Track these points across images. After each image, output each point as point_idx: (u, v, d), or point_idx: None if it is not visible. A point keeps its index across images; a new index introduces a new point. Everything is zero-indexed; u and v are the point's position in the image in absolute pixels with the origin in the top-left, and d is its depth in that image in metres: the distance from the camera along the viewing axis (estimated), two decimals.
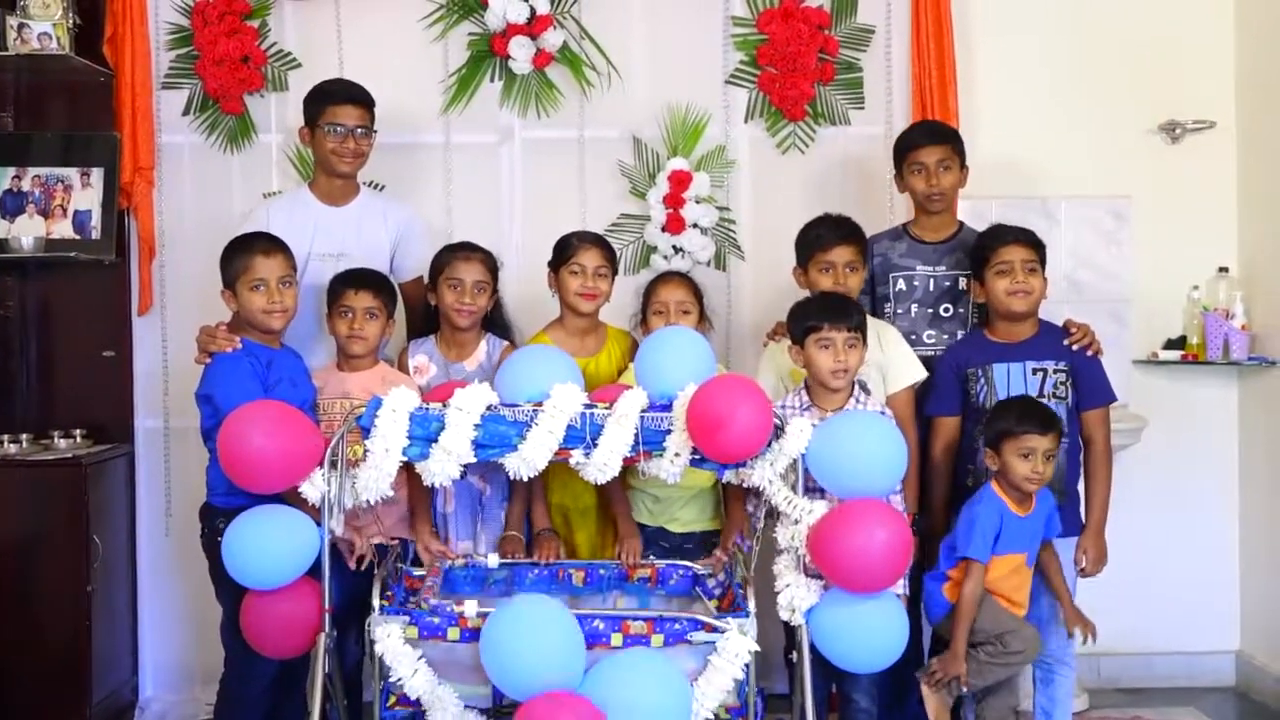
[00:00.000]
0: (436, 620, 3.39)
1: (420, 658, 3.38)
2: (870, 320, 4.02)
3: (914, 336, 4.19)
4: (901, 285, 4.29)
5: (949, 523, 3.96)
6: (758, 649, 3.38)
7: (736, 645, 3.35)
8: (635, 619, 3.39)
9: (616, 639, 3.33)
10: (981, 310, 4.20)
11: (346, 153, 4.24)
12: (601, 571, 3.83)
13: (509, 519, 4.01)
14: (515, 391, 3.51)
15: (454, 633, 3.37)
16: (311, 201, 4.32)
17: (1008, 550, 3.73)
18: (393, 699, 3.43)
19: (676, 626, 3.37)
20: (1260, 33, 4.94)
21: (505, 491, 4.06)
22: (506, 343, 4.15)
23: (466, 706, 3.41)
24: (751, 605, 3.44)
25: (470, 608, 3.38)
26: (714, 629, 3.38)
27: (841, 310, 3.76)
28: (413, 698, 3.39)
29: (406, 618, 3.41)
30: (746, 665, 3.38)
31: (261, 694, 3.80)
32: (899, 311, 4.25)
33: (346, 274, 4.01)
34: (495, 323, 4.20)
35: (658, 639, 3.34)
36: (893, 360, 4.01)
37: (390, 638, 3.37)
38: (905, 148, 4.31)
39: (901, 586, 3.69)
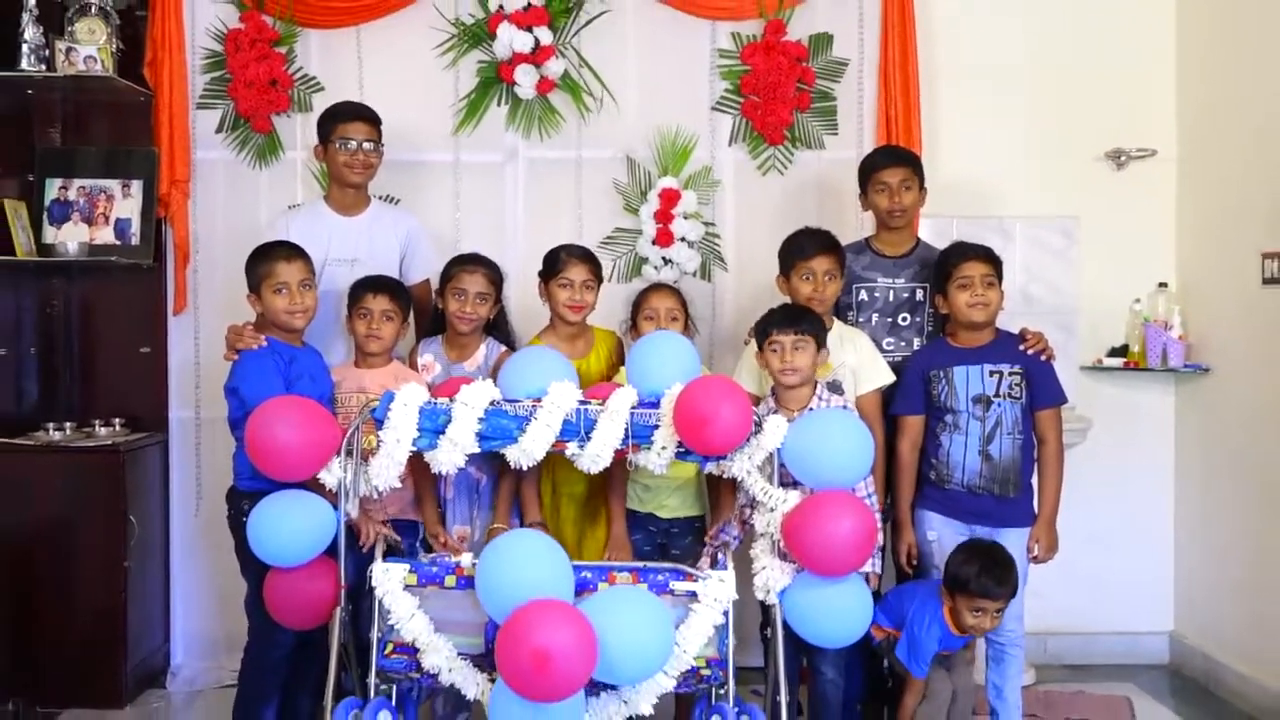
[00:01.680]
0: (435, 569, 3.41)
1: (418, 605, 3.37)
2: (845, 328, 4.06)
3: (874, 343, 4.14)
4: (864, 296, 4.26)
5: (913, 516, 4.01)
6: (736, 597, 3.37)
7: (717, 590, 3.35)
8: (621, 570, 3.42)
9: (603, 588, 3.31)
10: (939, 320, 4.16)
11: (357, 165, 4.25)
12: (585, 575, 3.65)
13: (496, 512, 3.95)
14: (517, 388, 3.51)
15: (450, 580, 3.39)
16: (327, 212, 4.32)
17: (940, 650, 3.78)
18: (390, 647, 3.42)
19: (660, 578, 3.39)
20: (1198, 69, 4.94)
21: None
22: (505, 347, 4.12)
23: (459, 654, 3.37)
24: (730, 563, 3.43)
25: (467, 559, 3.41)
26: (695, 579, 3.38)
27: (788, 317, 3.76)
28: (409, 640, 3.37)
29: (407, 565, 3.42)
30: (726, 612, 3.37)
31: (281, 661, 3.81)
32: (860, 320, 4.22)
33: (366, 279, 4.01)
34: (498, 328, 4.17)
35: (642, 586, 3.34)
36: (864, 365, 3.98)
37: (391, 581, 3.37)
38: (870, 169, 4.29)
39: (870, 565, 3.70)
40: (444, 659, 3.35)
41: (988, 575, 3.64)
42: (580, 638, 3.00)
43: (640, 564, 3.56)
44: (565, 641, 2.96)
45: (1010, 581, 3.67)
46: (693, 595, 3.37)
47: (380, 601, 3.38)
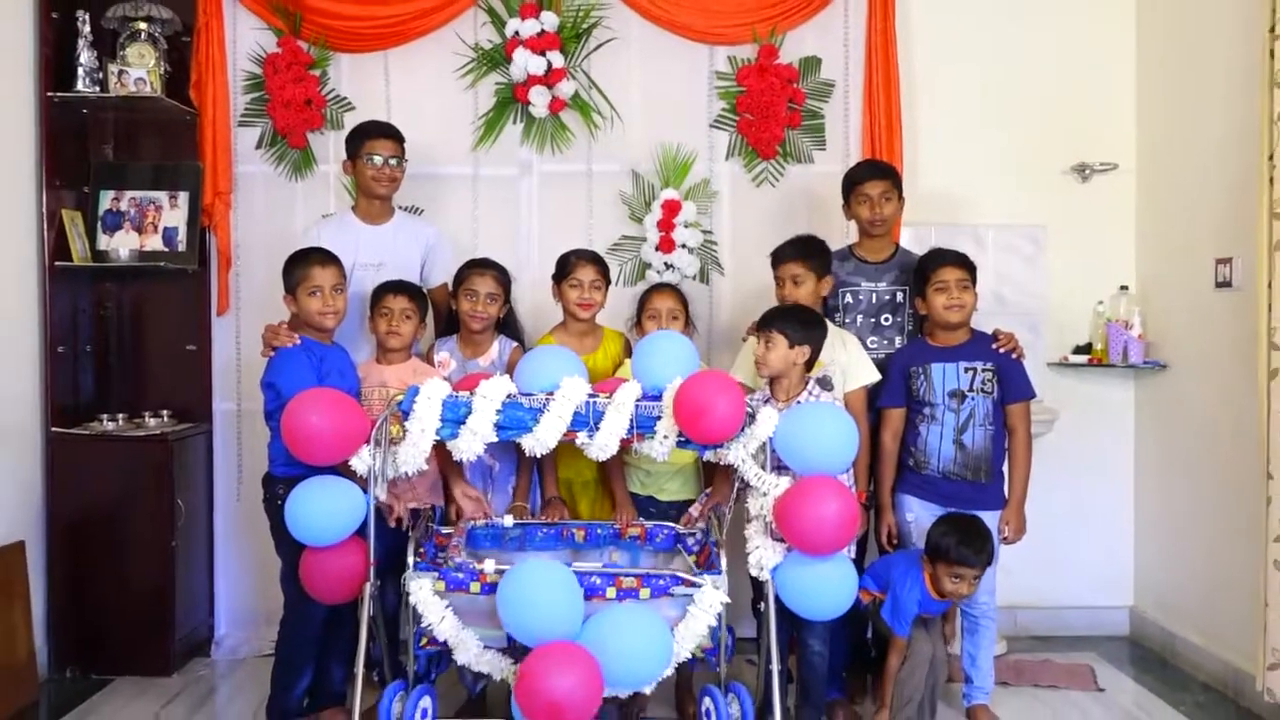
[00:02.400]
0: (461, 576, 3.41)
1: (447, 606, 3.41)
2: (838, 330, 4.06)
3: (860, 341, 4.16)
4: (848, 299, 4.29)
5: (893, 499, 4.08)
6: (728, 601, 3.41)
7: (710, 597, 3.40)
8: (627, 575, 3.42)
9: (611, 592, 3.36)
10: (918, 320, 4.21)
11: (383, 179, 4.29)
12: (599, 530, 3.85)
13: (516, 491, 4.04)
14: (532, 382, 3.54)
15: (475, 586, 3.40)
16: (354, 222, 4.36)
17: (921, 612, 3.84)
18: (425, 640, 3.47)
19: (661, 582, 3.41)
20: (1156, 90, 4.96)
21: (513, 468, 4.09)
22: (516, 344, 4.17)
23: (485, 646, 3.45)
24: (723, 564, 3.47)
25: (489, 565, 3.41)
26: (692, 584, 3.42)
27: (767, 315, 3.81)
28: (440, 639, 3.43)
29: (436, 574, 3.43)
30: (719, 614, 3.42)
31: (314, 632, 3.83)
32: (846, 321, 4.25)
33: (387, 282, 4.04)
34: (508, 326, 4.22)
35: (645, 591, 3.38)
36: (852, 363, 4.01)
37: (422, 590, 3.41)
38: (853, 181, 4.31)
39: (850, 551, 3.73)
40: (473, 654, 3.43)
41: (966, 545, 3.70)
42: (586, 682, 3.09)
43: (644, 571, 3.53)
44: (572, 688, 3.05)
45: (986, 551, 3.73)
46: (689, 598, 3.41)
47: (414, 608, 3.41)
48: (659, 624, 3.31)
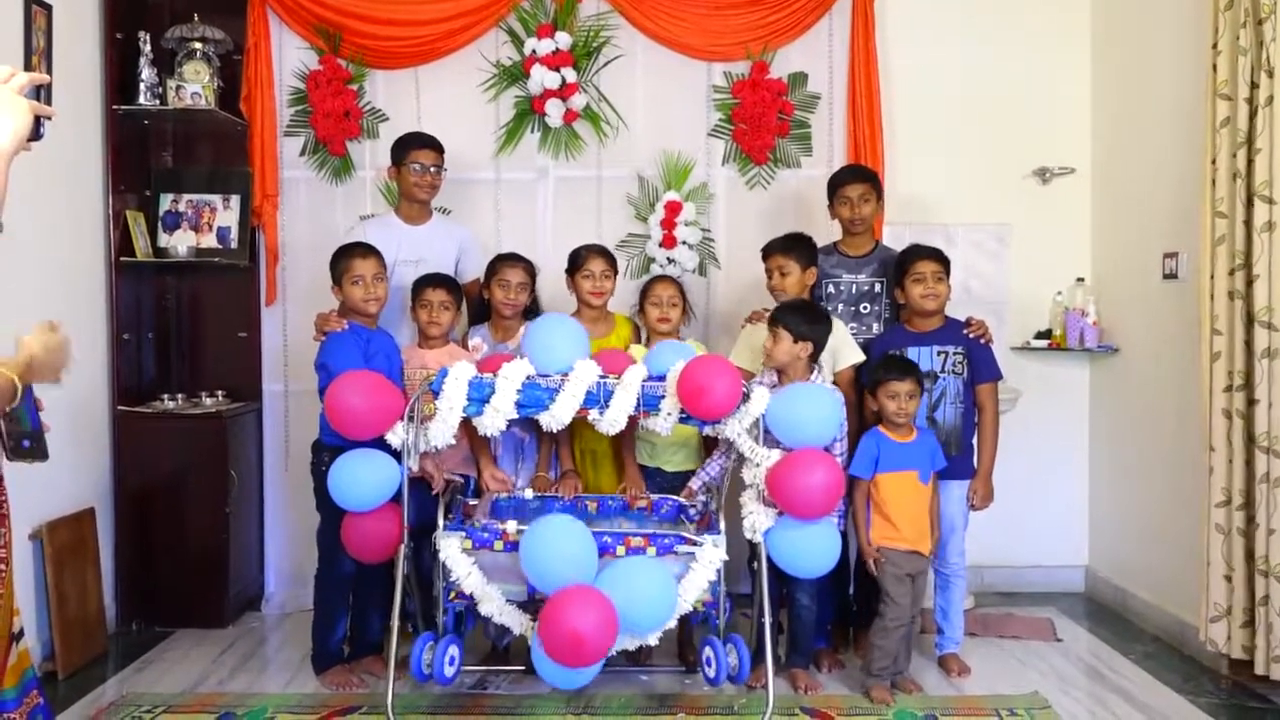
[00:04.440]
0: (485, 535, 3.46)
1: (473, 563, 3.44)
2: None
3: None
4: (831, 289, 4.26)
5: None
6: (726, 559, 3.44)
7: (711, 554, 3.43)
8: (635, 535, 3.46)
9: (621, 550, 3.39)
10: (895, 308, 4.19)
11: (425, 184, 4.26)
12: (610, 503, 3.84)
13: (539, 462, 4.02)
14: (541, 354, 3.53)
15: (499, 545, 3.45)
16: (397, 222, 4.33)
17: (892, 469, 3.75)
18: (453, 594, 3.51)
19: (666, 541, 3.45)
20: (1108, 101, 4.93)
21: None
22: None
23: (507, 600, 3.47)
24: (722, 526, 3.49)
25: (511, 526, 3.46)
26: (694, 543, 3.43)
27: (773, 314, 3.80)
28: (467, 593, 3.45)
29: (463, 533, 3.47)
30: (718, 570, 3.44)
31: (345, 582, 3.86)
32: (830, 310, 4.18)
33: (426, 276, 4.02)
34: (533, 313, 4.19)
35: (652, 550, 3.41)
36: (840, 346, 3.98)
37: (451, 547, 3.45)
38: (835, 184, 4.28)
39: (836, 516, 3.72)
40: (496, 607, 3.45)
41: (893, 365, 3.78)
42: (604, 620, 3.11)
43: (650, 531, 3.56)
44: (593, 625, 3.08)
45: (912, 371, 3.75)
46: (692, 555, 3.43)
47: (443, 563, 3.45)
48: (666, 574, 3.33)
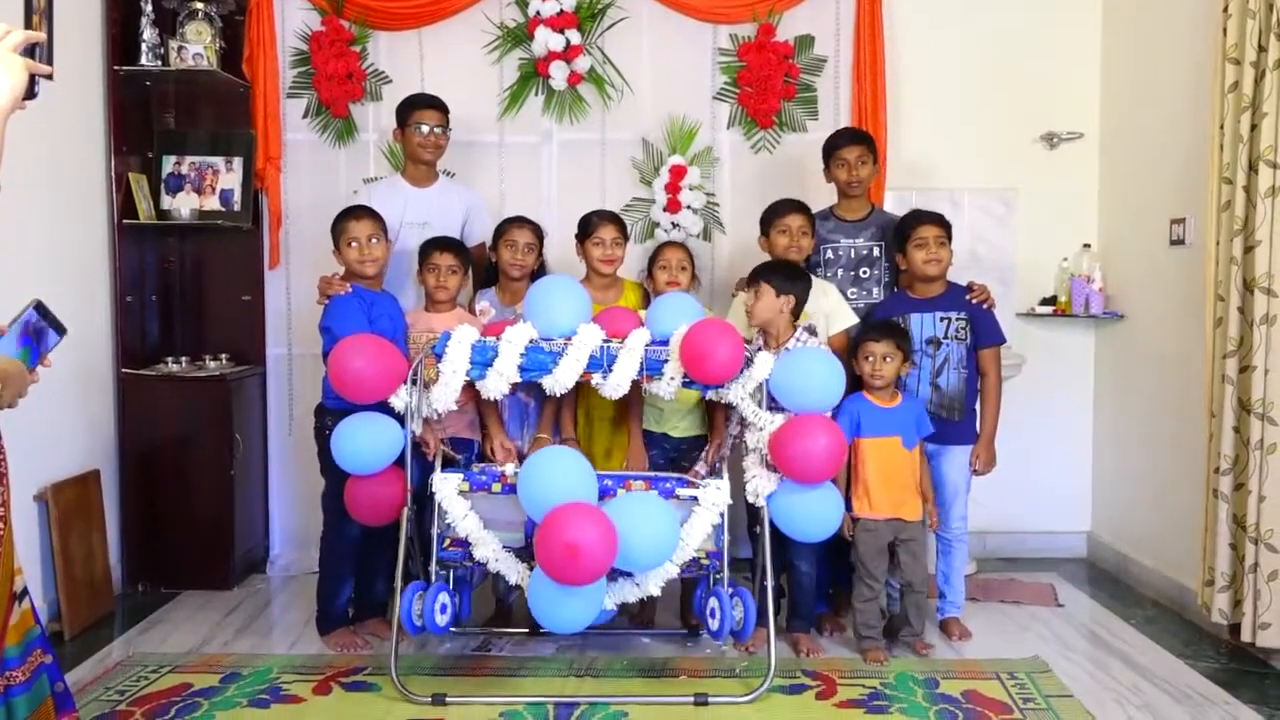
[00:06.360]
0: (484, 477, 3.48)
1: (470, 507, 3.45)
2: (819, 281, 4.00)
3: (841, 293, 4.10)
4: (829, 254, 4.23)
5: None
6: (730, 501, 3.45)
7: (714, 496, 3.44)
8: (635, 478, 3.48)
9: (621, 493, 3.39)
10: (895, 273, 4.17)
11: (430, 146, 4.24)
12: (607, 482, 3.74)
13: (540, 424, 3.99)
14: (542, 316, 3.52)
15: (497, 487, 3.47)
16: (403, 185, 4.32)
17: (875, 434, 3.76)
18: (448, 541, 3.51)
19: (667, 485, 3.47)
20: (1117, 65, 4.90)
21: None
22: None
23: (503, 547, 3.46)
24: (725, 473, 3.50)
25: (510, 468, 3.49)
26: (696, 486, 3.46)
27: (752, 273, 3.81)
28: (462, 536, 3.45)
29: (461, 475, 3.49)
30: (722, 514, 3.43)
31: (350, 547, 3.87)
32: (828, 275, 4.19)
33: (434, 240, 3.99)
34: (540, 277, 4.15)
35: (653, 493, 3.41)
36: (833, 311, 3.98)
37: (447, 487, 3.47)
38: (832, 147, 4.25)
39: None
40: (491, 551, 3.44)
41: (871, 326, 3.82)
42: (603, 534, 3.08)
43: (651, 474, 3.58)
44: (592, 537, 3.05)
45: (890, 333, 3.76)
46: (694, 499, 3.44)
47: (439, 505, 3.45)
48: (668, 507, 3.32)
